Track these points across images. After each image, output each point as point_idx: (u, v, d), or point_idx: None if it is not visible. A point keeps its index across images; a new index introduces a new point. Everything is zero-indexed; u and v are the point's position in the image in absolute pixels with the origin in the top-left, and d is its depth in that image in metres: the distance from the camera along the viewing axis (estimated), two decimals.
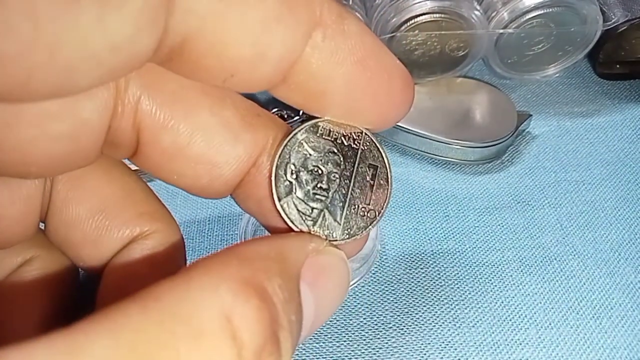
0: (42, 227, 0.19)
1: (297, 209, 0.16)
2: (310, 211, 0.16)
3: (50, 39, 0.11)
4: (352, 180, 0.16)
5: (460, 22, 0.33)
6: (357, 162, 0.16)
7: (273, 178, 0.16)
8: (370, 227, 0.17)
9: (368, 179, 0.17)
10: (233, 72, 0.14)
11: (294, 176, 0.16)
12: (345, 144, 0.16)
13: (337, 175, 0.16)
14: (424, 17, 0.33)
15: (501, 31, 0.34)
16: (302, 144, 0.16)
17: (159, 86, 0.15)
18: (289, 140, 0.16)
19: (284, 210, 0.16)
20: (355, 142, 0.16)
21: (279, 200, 0.16)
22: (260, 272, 0.13)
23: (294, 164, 0.16)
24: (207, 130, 0.16)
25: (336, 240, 0.16)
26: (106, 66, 0.12)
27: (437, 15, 0.33)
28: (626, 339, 0.25)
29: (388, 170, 0.17)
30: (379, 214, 0.17)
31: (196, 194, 0.17)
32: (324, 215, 0.16)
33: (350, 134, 0.16)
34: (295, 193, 0.16)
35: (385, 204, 0.17)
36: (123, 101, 0.15)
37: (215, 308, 0.12)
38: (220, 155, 0.16)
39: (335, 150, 0.16)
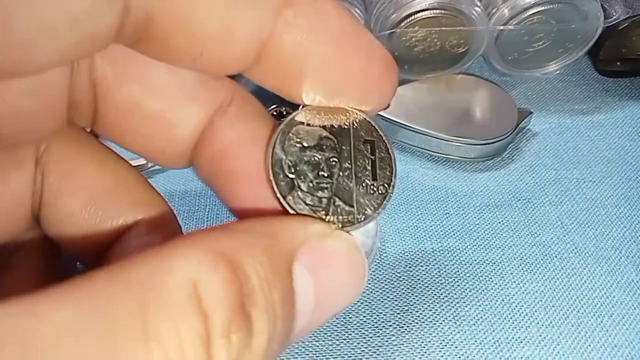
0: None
1: (305, 202, 0.15)
2: (319, 201, 0.15)
3: (3, 10, 0.10)
4: (353, 160, 0.16)
5: (460, 19, 0.33)
6: (352, 141, 0.16)
7: (272, 178, 0.15)
8: (385, 202, 0.16)
9: (368, 154, 0.16)
10: (202, 50, 0.14)
11: (292, 170, 0.15)
12: (336, 126, 0.16)
13: (336, 160, 0.16)
14: (424, 13, 0.32)
15: (501, 28, 0.33)
16: (291, 137, 0.15)
17: (115, 44, 0.14)
18: (278, 137, 0.15)
19: (290, 206, 0.15)
20: (345, 122, 0.16)
21: (284, 198, 0.15)
22: (242, 245, 0.13)
23: (289, 160, 0.15)
24: (163, 86, 0.15)
25: (354, 224, 0.16)
26: (66, 41, 0.12)
27: (437, 11, 0.32)
28: (627, 337, 0.25)
29: (386, 141, 0.16)
30: (389, 186, 0.16)
31: (156, 161, 0.17)
32: (334, 202, 0.16)
33: (338, 115, 0.16)
34: (298, 187, 0.15)
35: (393, 176, 0.16)
36: None
37: (183, 276, 0.11)
38: (176, 113, 0.16)
39: (328, 135, 0.16)
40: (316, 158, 0.15)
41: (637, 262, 0.28)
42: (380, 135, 0.16)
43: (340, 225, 0.15)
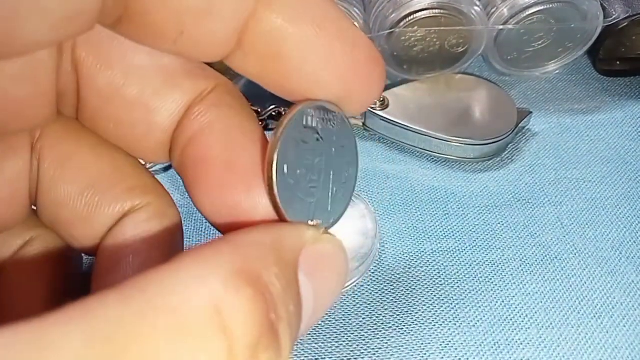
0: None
1: (300, 210, 0.15)
2: (309, 206, 0.15)
3: None
4: (332, 164, 0.16)
5: (459, 18, 0.32)
6: (334, 144, 0.16)
7: (275, 186, 0.14)
8: (348, 204, 0.16)
9: (343, 159, 0.16)
10: (182, 28, 0.13)
11: (292, 177, 0.15)
12: (325, 127, 0.15)
13: (322, 163, 0.15)
14: (423, 13, 0.32)
15: (501, 27, 0.33)
16: (290, 140, 0.15)
17: (97, 28, 0.14)
18: (282, 139, 0.14)
19: (288, 215, 0.15)
20: (331, 123, 0.15)
21: (285, 206, 0.15)
22: (255, 260, 0.12)
23: (289, 166, 0.15)
24: (144, 72, 0.15)
25: (329, 227, 0.16)
26: (54, 17, 0.11)
27: (437, 11, 0.32)
28: (628, 339, 0.25)
29: (356, 146, 0.16)
30: (352, 188, 0.16)
31: (135, 152, 0.17)
32: (316, 206, 0.15)
33: (328, 116, 0.15)
34: (296, 193, 0.15)
35: (355, 177, 0.16)
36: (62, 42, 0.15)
37: (203, 299, 0.11)
38: (157, 99, 0.16)
39: (319, 137, 0.15)
40: (311, 161, 0.15)
41: (637, 263, 0.28)
42: (351, 137, 0.16)
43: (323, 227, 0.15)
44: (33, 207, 0.18)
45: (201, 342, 0.10)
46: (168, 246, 0.17)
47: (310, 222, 0.15)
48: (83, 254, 0.20)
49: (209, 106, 0.16)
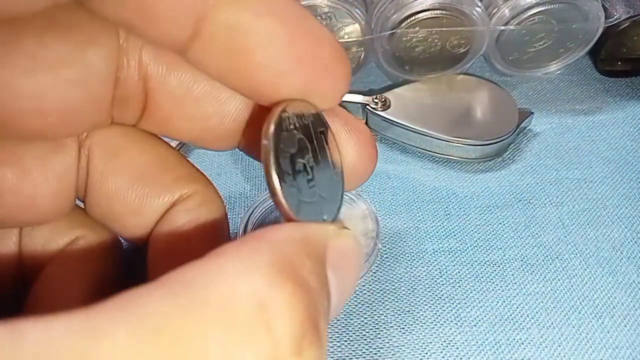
0: (83, 206, 0.19)
1: (310, 212, 0.15)
2: (315, 205, 0.15)
3: None
4: (318, 156, 0.16)
5: (461, 19, 0.32)
6: (313, 136, 0.16)
7: (284, 201, 0.14)
8: (344, 185, 0.16)
9: (325, 146, 0.16)
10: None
11: (292, 182, 0.15)
12: (302, 123, 0.15)
13: (311, 160, 0.15)
14: (424, 13, 0.32)
15: (502, 28, 0.33)
16: (282, 148, 0.15)
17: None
18: (273, 154, 0.15)
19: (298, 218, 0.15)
20: (305, 118, 0.15)
21: (297, 214, 0.15)
22: (292, 257, 0.12)
23: (286, 173, 0.15)
24: None
25: (336, 218, 0.16)
26: None
27: (438, 11, 0.32)
28: (629, 339, 0.25)
29: (328, 126, 0.16)
30: (341, 167, 0.16)
31: (206, 144, 0.17)
32: (321, 203, 0.16)
33: (301, 112, 0.15)
34: (302, 199, 0.15)
35: (339, 157, 0.16)
36: (127, 51, 0.15)
37: (248, 295, 0.11)
38: (227, 91, 0.16)
39: (301, 136, 0.15)
40: (300, 163, 0.15)
41: (638, 264, 0.28)
42: (322, 120, 0.16)
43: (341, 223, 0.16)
44: (78, 201, 0.18)
45: (247, 337, 0.10)
46: (216, 232, 0.18)
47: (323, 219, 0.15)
48: (124, 251, 0.21)
49: None
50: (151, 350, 0.10)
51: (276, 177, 0.14)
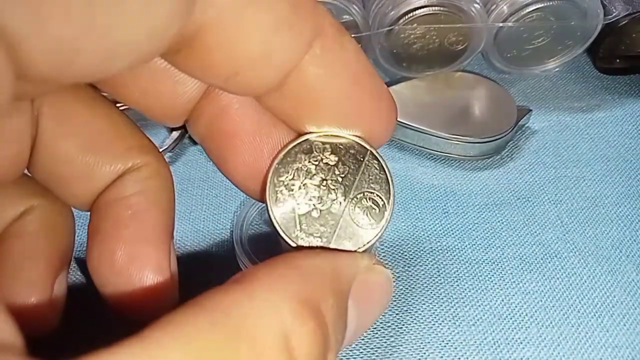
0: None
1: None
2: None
3: (103, 25, 0.11)
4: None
5: (459, 16, 0.32)
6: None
7: (282, 232, 0.16)
8: (386, 217, 0.16)
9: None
10: (237, 70, 0.14)
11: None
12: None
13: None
14: (422, 10, 0.32)
15: (500, 25, 0.33)
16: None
17: None
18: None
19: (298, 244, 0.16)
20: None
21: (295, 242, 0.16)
22: (317, 290, 0.13)
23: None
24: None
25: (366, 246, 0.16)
26: (141, 52, 0.12)
27: (436, 8, 0.32)
28: (628, 338, 0.25)
29: (379, 158, 0.17)
30: (387, 202, 0.17)
31: (154, 117, 0.17)
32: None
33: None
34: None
35: (391, 191, 0.17)
36: None
37: (277, 328, 0.12)
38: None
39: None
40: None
41: (637, 262, 0.28)
42: (373, 152, 0.17)
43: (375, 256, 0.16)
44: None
45: None
46: (163, 206, 0.18)
47: (359, 250, 0.16)
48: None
49: None
50: None
51: (276, 198, 0.16)
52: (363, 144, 0.16)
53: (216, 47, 0.13)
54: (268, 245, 0.29)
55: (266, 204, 0.16)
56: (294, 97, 0.15)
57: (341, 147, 0.16)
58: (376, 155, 0.16)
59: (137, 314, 0.17)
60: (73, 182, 0.18)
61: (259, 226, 0.29)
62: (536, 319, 0.26)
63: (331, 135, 0.16)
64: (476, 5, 0.32)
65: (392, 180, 0.16)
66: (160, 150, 0.20)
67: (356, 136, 0.16)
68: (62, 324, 0.19)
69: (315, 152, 0.16)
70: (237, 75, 0.14)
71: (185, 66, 0.15)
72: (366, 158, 0.16)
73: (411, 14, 0.32)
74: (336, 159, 0.16)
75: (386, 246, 0.29)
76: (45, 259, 0.18)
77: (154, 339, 0.11)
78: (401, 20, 0.32)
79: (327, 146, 0.16)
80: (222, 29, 0.13)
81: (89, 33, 0.11)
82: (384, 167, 0.16)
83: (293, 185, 0.16)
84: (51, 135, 0.17)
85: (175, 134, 0.33)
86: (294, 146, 0.16)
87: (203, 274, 0.28)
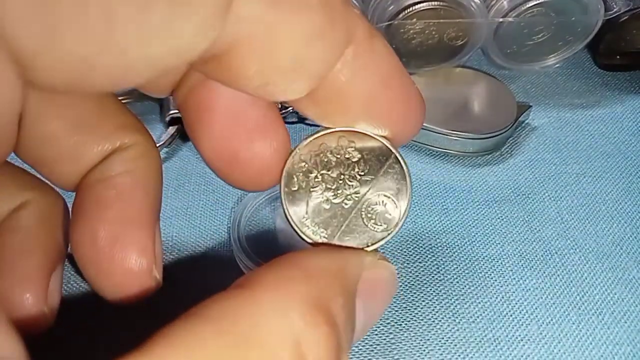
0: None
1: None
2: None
3: (121, 43, 0.11)
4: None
5: (459, 11, 0.32)
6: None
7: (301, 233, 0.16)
8: (402, 214, 0.16)
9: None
10: (268, 81, 0.14)
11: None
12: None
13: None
14: (422, 5, 0.32)
15: (501, 20, 0.33)
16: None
17: None
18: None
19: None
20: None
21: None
22: (326, 291, 0.13)
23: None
24: None
25: (375, 244, 0.16)
26: (162, 69, 0.12)
27: (436, 3, 0.32)
28: (629, 335, 0.25)
29: (400, 160, 0.17)
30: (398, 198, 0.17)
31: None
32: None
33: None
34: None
35: (408, 191, 0.17)
36: None
37: (287, 333, 0.12)
38: None
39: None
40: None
41: (638, 259, 0.28)
42: (397, 156, 0.16)
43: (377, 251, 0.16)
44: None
45: None
46: (150, 186, 0.18)
47: (366, 249, 0.16)
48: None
49: None
50: None
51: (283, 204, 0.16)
52: (389, 146, 0.16)
53: (247, 61, 0.13)
54: (266, 242, 0.28)
55: (280, 185, 0.16)
56: (323, 100, 0.15)
57: (366, 145, 0.16)
58: (400, 159, 0.16)
59: (120, 297, 0.17)
60: (60, 163, 0.17)
61: (256, 223, 0.29)
62: (536, 316, 0.26)
63: (358, 132, 0.16)
64: (476, 0, 0.32)
65: (410, 188, 0.16)
66: (157, 145, 0.19)
67: (382, 137, 0.16)
68: (58, 319, 0.19)
69: (339, 146, 0.16)
70: (267, 85, 0.14)
71: (212, 74, 0.14)
72: (389, 160, 0.16)
73: (411, 9, 0.32)
74: (359, 156, 0.16)
75: (385, 244, 0.29)
76: (41, 254, 0.18)
77: (157, 354, 0.11)
78: (400, 15, 0.32)
79: (352, 142, 0.16)
80: (253, 43, 0.13)
81: (106, 50, 0.11)
82: (406, 173, 0.16)
83: (310, 173, 0.16)
84: (38, 114, 0.17)
85: (171, 130, 0.32)
86: (320, 136, 0.16)
87: (200, 270, 0.28)
